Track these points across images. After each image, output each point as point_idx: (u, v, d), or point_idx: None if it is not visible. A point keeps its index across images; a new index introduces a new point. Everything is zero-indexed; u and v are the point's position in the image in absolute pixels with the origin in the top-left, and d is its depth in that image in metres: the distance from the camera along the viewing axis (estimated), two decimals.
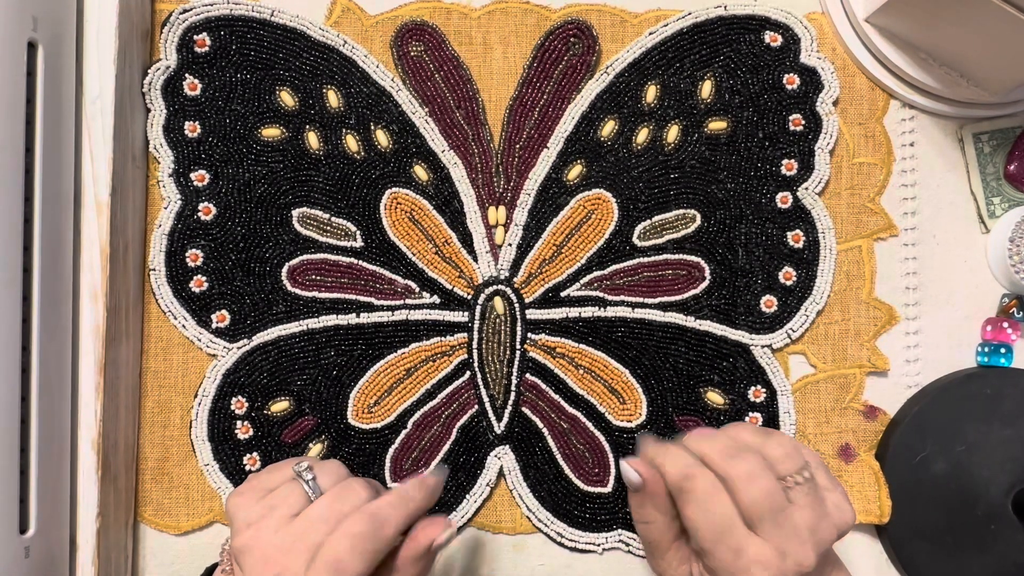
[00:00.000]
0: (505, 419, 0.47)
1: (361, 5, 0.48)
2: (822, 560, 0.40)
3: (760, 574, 0.36)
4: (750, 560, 0.36)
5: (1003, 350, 0.48)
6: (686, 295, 0.48)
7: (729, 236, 0.48)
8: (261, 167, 0.47)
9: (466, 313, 0.47)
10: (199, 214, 0.47)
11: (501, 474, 0.47)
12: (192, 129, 0.47)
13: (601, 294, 0.48)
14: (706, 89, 0.48)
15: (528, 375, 0.47)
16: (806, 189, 0.48)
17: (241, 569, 0.36)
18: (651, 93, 0.48)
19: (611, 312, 0.47)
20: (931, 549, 0.47)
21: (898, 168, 0.49)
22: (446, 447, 0.47)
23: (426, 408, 0.47)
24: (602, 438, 0.47)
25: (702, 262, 0.48)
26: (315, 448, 0.47)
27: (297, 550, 0.36)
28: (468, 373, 0.47)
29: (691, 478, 0.37)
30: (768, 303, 0.48)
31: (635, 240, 0.48)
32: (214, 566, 0.41)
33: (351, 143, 0.47)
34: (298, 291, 0.47)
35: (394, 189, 0.47)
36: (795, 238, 0.48)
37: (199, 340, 0.47)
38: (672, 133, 0.48)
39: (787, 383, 0.48)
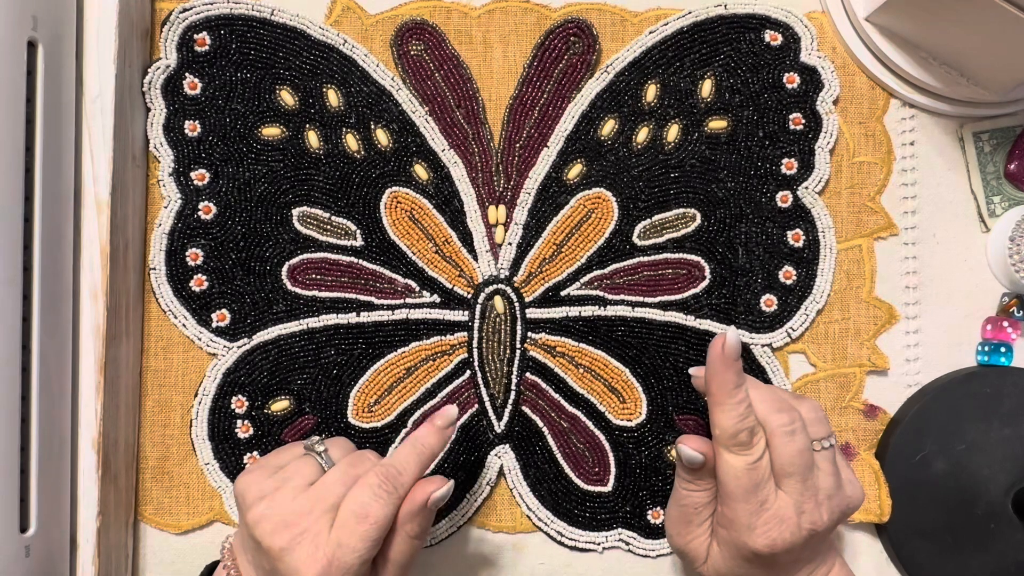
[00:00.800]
0: (505, 418, 0.47)
1: (361, 4, 0.48)
2: (827, 546, 0.41)
3: (776, 527, 0.38)
4: (771, 513, 0.38)
5: (1003, 349, 0.48)
6: (686, 294, 0.48)
7: (729, 235, 0.48)
8: (261, 166, 0.47)
9: (466, 312, 0.47)
10: (199, 213, 0.47)
11: (501, 473, 0.48)
12: (192, 128, 0.47)
13: (601, 293, 0.48)
14: (706, 88, 0.48)
15: (528, 374, 0.47)
16: (806, 188, 0.48)
17: (257, 541, 0.36)
18: (651, 92, 0.48)
19: (611, 311, 0.47)
20: (931, 548, 0.47)
21: (898, 167, 0.49)
22: (446, 446, 0.47)
23: (426, 407, 0.47)
24: (602, 437, 0.47)
25: (702, 261, 0.48)
26: None
27: (318, 510, 0.36)
28: (468, 372, 0.47)
29: (745, 440, 0.38)
30: (768, 302, 0.48)
31: (635, 239, 0.48)
32: (214, 564, 0.41)
33: (351, 142, 0.47)
34: (298, 290, 0.47)
35: (394, 188, 0.47)
36: (795, 237, 0.48)
37: (199, 339, 0.47)
38: (672, 132, 0.48)
39: (787, 382, 0.48)
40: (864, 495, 0.41)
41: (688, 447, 0.40)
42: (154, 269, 0.47)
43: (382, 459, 0.39)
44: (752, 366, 0.48)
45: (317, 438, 0.40)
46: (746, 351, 0.48)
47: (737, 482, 0.38)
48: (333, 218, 0.47)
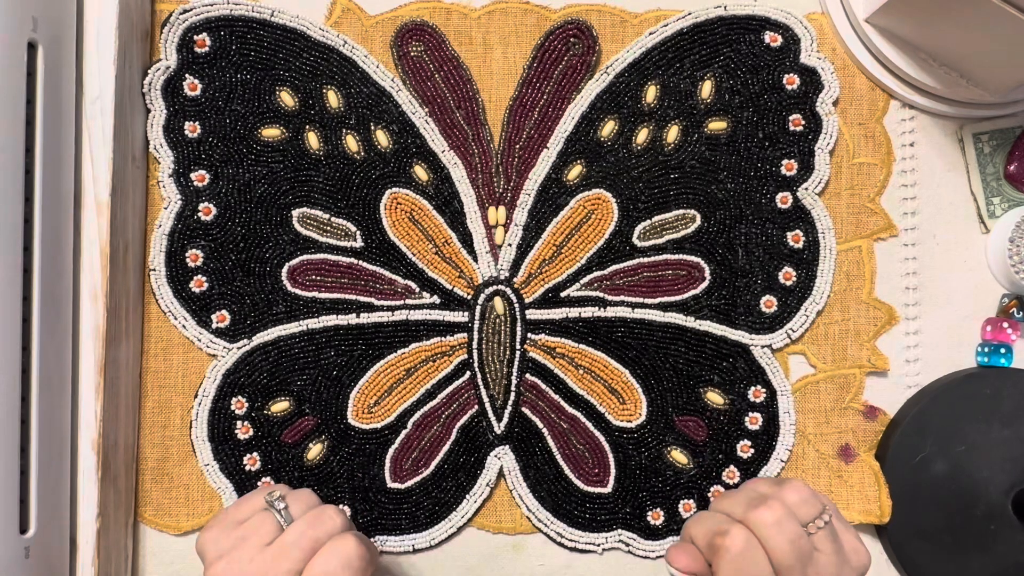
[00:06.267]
0: (505, 419, 0.47)
1: (361, 5, 0.48)
2: None
3: None
4: None
5: (1003, 350, 0.48)
6: (686, 295, 0.48)
7: (729, 236, 0.48)
8: (261, 167, 0.47)
9: (466, 313, 0.47)
10: (199, 214, 0.47)
11: (501, 474, 0.47)
12: (192, 129, 0.47)
13: (601, 294, 0.48)
14: (706, 89, 0.48)
15: (528, 375, 0.47)
16: (806, 189, 0.48)
17: None
18: (651, 93, 0.48)
19: (611, 312, 0.47)
20: (931, 549, 0.47)
21: (898, 168, 0.49)
22: (446, 447, 0.47)
23: (426, 408, 0.47)
24: (602, 438, 0.47)
25: (702, 262, 0.48)
26: (315, 448, 0.47)
27: (273, 573, 0.36)
28: (468, 373, 0.47)
29: (722, 534, 0.37)
30: (768, 303, 0.48)
31: (635, 240, 0.48)
32: None
33: (351, 143, 0.47)
34: (298, 291, 0.47)
35: (394, 189, 0.47)
36: (795, 238, 0.48)
37: (199, 340, 0.47)
38: (672, 133, 0.48)
39: (787, 383, 0.48)
40: (870, 556, 0.38)
41: (676, 568, 0.38)
42: (154, 270, 0.47)
43: (344, 515, 0.38)
44: (752, 367, 0.48)
45: (279, 493, 0.39)
46: (747, 352, 0.48)
47: None
48: (333, 219, 0.47)
